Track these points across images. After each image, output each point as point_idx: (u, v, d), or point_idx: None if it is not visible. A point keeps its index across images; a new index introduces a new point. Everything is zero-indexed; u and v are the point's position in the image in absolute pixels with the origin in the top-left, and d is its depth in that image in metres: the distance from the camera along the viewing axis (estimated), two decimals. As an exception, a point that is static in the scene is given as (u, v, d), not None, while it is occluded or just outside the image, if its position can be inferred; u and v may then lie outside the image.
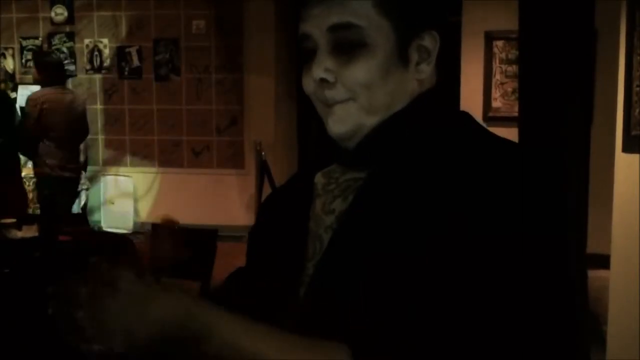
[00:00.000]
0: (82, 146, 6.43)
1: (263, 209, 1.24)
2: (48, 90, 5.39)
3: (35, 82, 5.68)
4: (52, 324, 0.91)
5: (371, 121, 1.06)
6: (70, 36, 7.22)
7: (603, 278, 3.66)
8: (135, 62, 7.10)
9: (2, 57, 7.31)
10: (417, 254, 0.95)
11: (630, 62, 3.26)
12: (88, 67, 7.18)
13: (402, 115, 1.07)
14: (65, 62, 7.10)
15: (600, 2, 3.21)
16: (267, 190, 5.77)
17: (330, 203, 1.09)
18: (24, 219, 3.88)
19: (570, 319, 0.99)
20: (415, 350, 0.92)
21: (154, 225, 3.94)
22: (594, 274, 3.35)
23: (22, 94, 6.21)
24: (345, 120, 1.06)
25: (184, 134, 7.07)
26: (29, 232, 3.70)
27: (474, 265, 0.93)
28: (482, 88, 6.38)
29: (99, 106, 7.18)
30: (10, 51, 7.33)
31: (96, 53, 7.17)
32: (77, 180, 5.83)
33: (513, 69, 6.09)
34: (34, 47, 7.23)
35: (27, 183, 6.03)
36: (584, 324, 3.00)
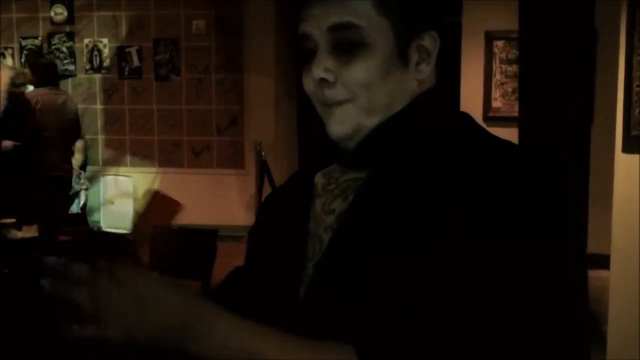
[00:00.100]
0: (81, 146, 6.44)
1: (263, 209, 1.24)
2: (41, 90, 5.42)
3: (29, 83, 5.70)
4: (47, 308, 0.90)
5: (371, 122, 1.06)
6: (70, 36, 7.21)
7: (603, 278, 3.66)
8: (135, 62, 7.10)
9: (1, 57, 7.31)
10: (417, 254, 0.95)
11: (630, 62, 3.26)
12: (88, 67, 7.18)
13: (402, 115, 1.07)
14: (65, 62, 7.10)
15: (600, 2, 3.21)
16: (267, 190, 5.77)
17: (330, 203, 1.09)
18: (24, 219, 3.88)
19: (571, 319, 0.99)
20: (416, 350, 0.92)
21: (154, 226, 3.94)
22: (594, 274, 3.35)
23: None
24: (345, 121, 1.06)
25: (184, 134, 7.07)
26: (29, 232, 3.70)
27: (474, 265, 0.93)
28: (482, 88, 6.38)
29: (98, 106, 7.17)
30: (10, 51, 7.33)
31: (96, 53, 7.17)
32: (70, 180, 5.85)
33: (513, 69, 6.08)
34: (33, 47, 7.23)
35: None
36: (584, 324, 3.00)
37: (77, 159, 6.35)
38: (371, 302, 0.96)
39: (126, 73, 7.13)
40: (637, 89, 3.22)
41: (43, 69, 5.54)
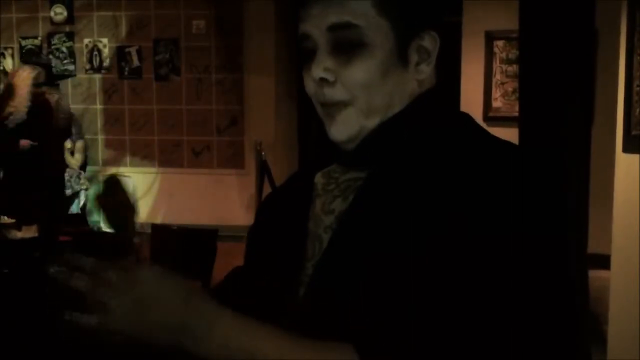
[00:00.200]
0: (81, 146, 6.43)
1: (262, 209, 1.24)
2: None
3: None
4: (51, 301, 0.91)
5: (371, 123, 1.06)
6: (70, 36, 7.21)
7: (603, 278, 3.66)
8: (135, 62, 7.10)
9: (1, 56, 7.31)
10: (417, 254, 0.95)
11: (630, 62, 3.26)
12: (88, 67, 7.18)
13: (401, 115, 1.07)
14: (65, 62, 7.10)
15: (601, 2, 3.21)
16: (267, 190, 5.77)
17: (330, 203, 1.08)
18: (24, 219, 3.88)
19: (571, 319, 0.99)
20: (416, 350, 0.92)
21: (154, 226, 3.94)
22: (594, 274, 3.35)
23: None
24: (346, 126, 1.06)
25: (184, 134, 7.07)
26: (29, 232, 3.70)
27: (474, 265, 0.93)
28: (482, 88, 6.38)
29: (98, 106, 7.17)
30: (10, 51, 7.33)
31: (95, 53, 7.17)
32: (63, 179, 5.85)
33: (513, 68, 6.08)
34: (33, 47, 7.23)
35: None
36: (584, 324, 2.99)
37: (77, 159, 6.35)
38: (371, 302, 0.96)
39: (126, 73, 7.13)
40: (638, 88, 3.22)
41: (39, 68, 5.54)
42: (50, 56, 7.03)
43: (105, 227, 6.82)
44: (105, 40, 7.15)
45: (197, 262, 3.54)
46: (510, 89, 6.23)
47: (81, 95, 7.15)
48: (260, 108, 6.87)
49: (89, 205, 6.82)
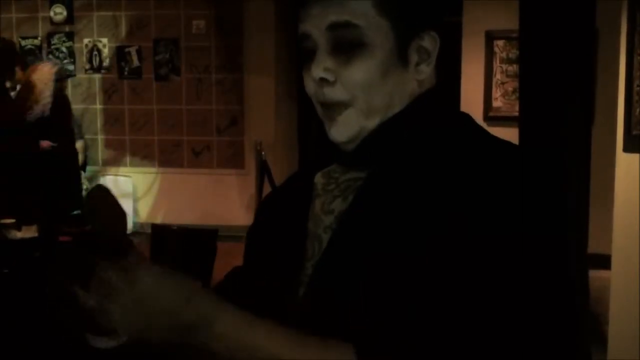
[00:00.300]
0: (81, 146, 6.44)
1: (262, 209, 1.24)
2: None
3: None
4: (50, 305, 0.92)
5: (371, 123, 1.06)
6: (70, 36, 7.21)
7: (604, 278, 3.66)
8: (135, 62, 7.10)
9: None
10: (417, 254, 0.95)
11: (630, 61, 3.26)
12: (87, 67, 7.18)
13: (401, 116, 1.07)
14: (65, 61, 7.10)
15: (601, 2, 3.21)
16: (267, 190, 5.77)
17: (329, 203, 1.08)
18: (24, 219, 3.88)
19: (571, 319, 0.99)
20: (416, 350, 0.92)
21: (154, 226, 3.94)
22: (594, 274, 3.35)
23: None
24: (346, 126, 1.06)
25: (184, 134, 7.07)
26: (28, 232, 3.70)
27: (474, 266, 0.93)
28: (482, 88, 6.38)
29: (98, 106, 7.18)
30: (10, 51, 7.33)
31: (95, 53, 7.17)
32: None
33: (514, 68, 6.08)
34: (33, 47, 7.23)
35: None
36: (584, 324, 2.99)
37: (77, 159, 6.36)
38: (370, 302, 0.96)
39: (126, 73, 7.14)
40: (638, 88, 3.22)
41: None
42: (50, 56, 7.03)
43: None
44: (105, 40, 7.16)
45: (197, 262, 3.54)
46: (510, 89, 6.23)
47: (81, 95, 7.15)
48: (260, 108, 6.88)
49: (89, 206, 6.81)
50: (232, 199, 6.94)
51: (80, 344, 0.92)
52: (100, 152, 7.23)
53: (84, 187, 6.55)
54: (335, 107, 1.06)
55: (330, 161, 1.13)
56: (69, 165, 5.33)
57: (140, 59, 7.09)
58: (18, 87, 4.92)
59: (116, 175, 7.19)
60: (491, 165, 0.99)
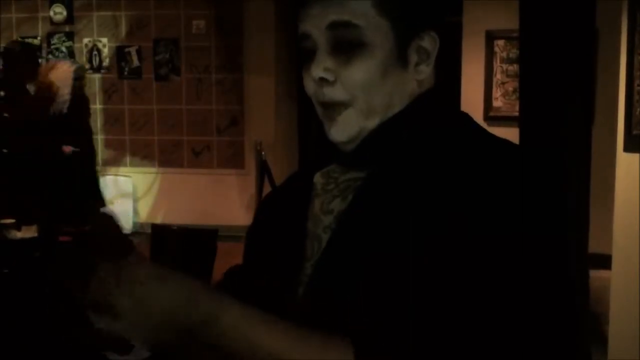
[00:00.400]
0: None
1: (261, 209, 1.24)
2: None
3: None
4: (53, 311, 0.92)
5: (371, 123, 1.06)
6: (70, 36, 7.22)
7: (604, 278, 3.66)
8: (135, 62, 7.10)
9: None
10: (416, 254, 0.95)
11: (631, 61, 3.26)
12: (87, 66, 7.18)
13: (401, 116, 1.07)
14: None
15: (601, 1, 3.21)
16: (267, 190, 5.77)
17: (329, 203, 1.08)
18: (24, 219, 3.87)
19: (571, 319, 0.99)
20: (416, 350, 0.92)
21: (154, 226, 3.94)
22: (595, 274, 3.35)
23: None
24: (346, 126, 1.06)
25: (184, 134, 7.07)
26: (28, 232, 3.70)
27: (474, 266, 0.93)
28: (483, 87, 6.38)
29: (98, 106, 7.18)
30: (10, 51, 7.33)
31: (95, 53, 7.17)
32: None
33: (514, 68, 6.08)
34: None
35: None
36: (584, 324, 2.99)
37: (77, 159, 6.35)
38: (370, 302, 0.96)
39: (126, 73, 7.14)
40: (638, 88, 3.22)
41: None
42: (50, 56, 7.04)
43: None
44: (105, 40, 7.16)
45: (197, 262, 3.54)
46: (510, 89, 6.23)
47: (81, 95, 7.14)
48: (260, 108, 6.88)
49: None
50: (232, 199, 6.95)
51: (79, 343, 0.92)
52: (100, 152, 7.23)
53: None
54: (335, 107, 1.06)
55: (330, 161, 1.13)
56: (88, 164, 5.32)
57: (140, 59, 7.09)
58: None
59: (116, 175, 7.19)
60: (491, 165, 0.99)
